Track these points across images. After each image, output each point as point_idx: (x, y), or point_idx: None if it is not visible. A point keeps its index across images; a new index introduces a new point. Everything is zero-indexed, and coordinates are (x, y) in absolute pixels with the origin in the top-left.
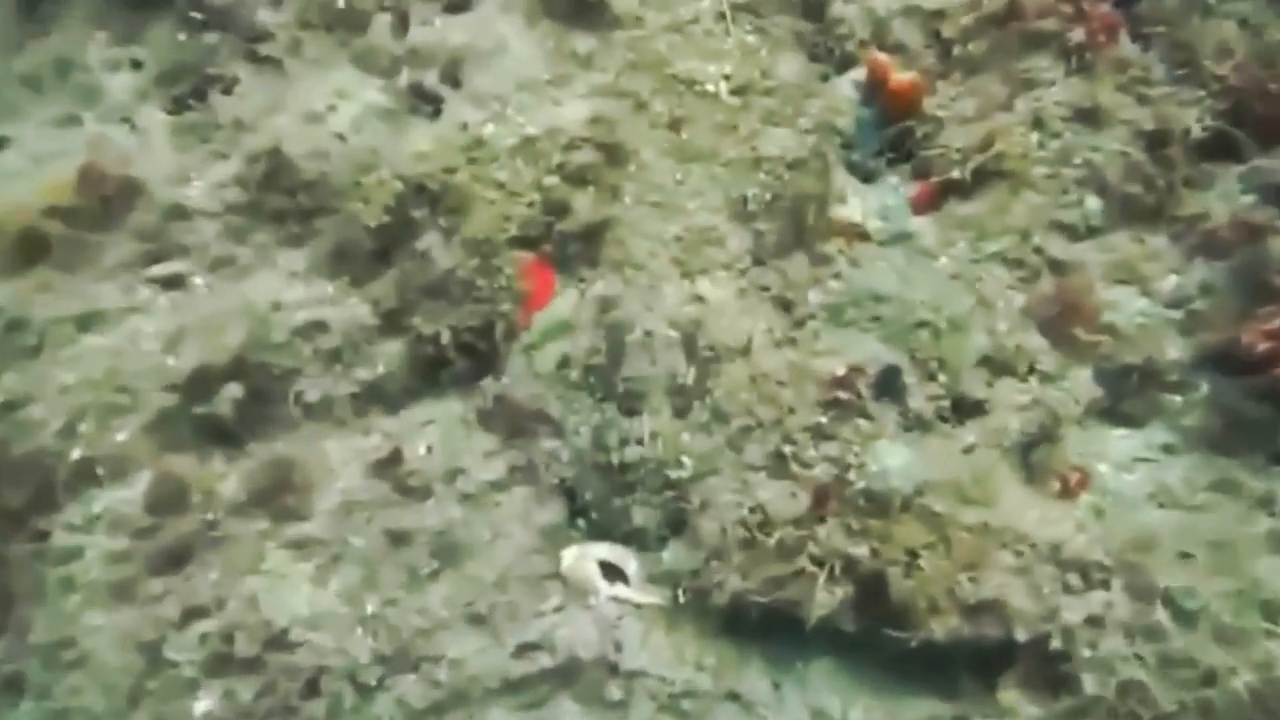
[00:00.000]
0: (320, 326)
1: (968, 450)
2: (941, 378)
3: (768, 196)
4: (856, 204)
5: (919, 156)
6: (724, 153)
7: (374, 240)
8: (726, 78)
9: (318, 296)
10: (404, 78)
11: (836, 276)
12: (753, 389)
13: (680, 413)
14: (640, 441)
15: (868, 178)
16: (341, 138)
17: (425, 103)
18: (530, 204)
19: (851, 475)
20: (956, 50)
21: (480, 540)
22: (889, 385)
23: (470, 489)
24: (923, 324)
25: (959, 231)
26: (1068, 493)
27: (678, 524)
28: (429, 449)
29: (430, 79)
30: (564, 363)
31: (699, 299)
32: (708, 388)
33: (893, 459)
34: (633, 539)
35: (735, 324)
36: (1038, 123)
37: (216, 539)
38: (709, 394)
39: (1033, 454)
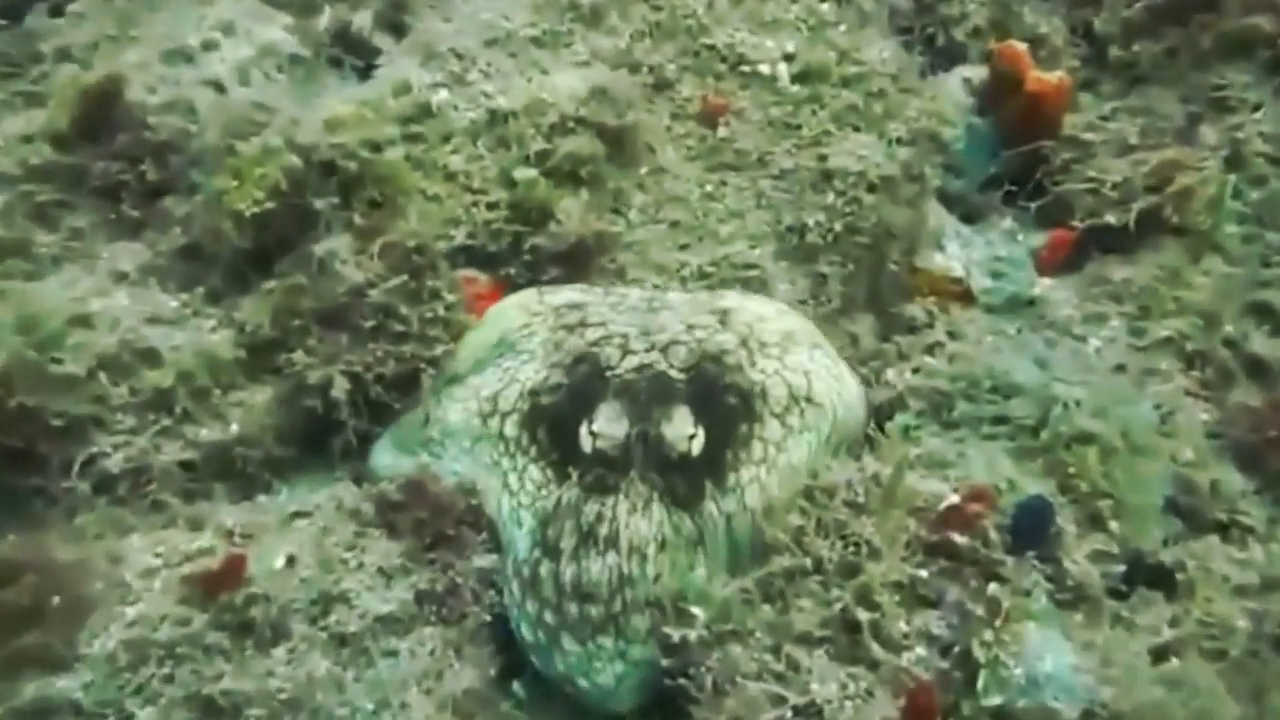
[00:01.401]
0: (145, 357)
1: (1160, 654)
2: (1115, 525)
3: (836, 227)
4: (957, 251)
5: (1053, 193)
6: (777, 161)
7: (248, 236)
8: (789, 58)
9: (149, 311)
10: (325, 17)
11: (932, 350)
12: (809, 510)
13: (686, 510)
14: (614, 545)
15: (975, 216)
16: (218, 87)
17: (352, 54)
18: (492, 205)
19: (973, 676)
20: (1115, 51)
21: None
22: (1034, 531)
23: (351, 628)
24: (1084, 438)
25: (1110, 304)
26: None
27: (671, 710)
28: (290, 559)
29: (363, 21)
30: (493, 407)
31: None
32: (733, 484)
33: (1044, 657)
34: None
35: None
36: (1234, 160)
37: None
38: (735, 494)
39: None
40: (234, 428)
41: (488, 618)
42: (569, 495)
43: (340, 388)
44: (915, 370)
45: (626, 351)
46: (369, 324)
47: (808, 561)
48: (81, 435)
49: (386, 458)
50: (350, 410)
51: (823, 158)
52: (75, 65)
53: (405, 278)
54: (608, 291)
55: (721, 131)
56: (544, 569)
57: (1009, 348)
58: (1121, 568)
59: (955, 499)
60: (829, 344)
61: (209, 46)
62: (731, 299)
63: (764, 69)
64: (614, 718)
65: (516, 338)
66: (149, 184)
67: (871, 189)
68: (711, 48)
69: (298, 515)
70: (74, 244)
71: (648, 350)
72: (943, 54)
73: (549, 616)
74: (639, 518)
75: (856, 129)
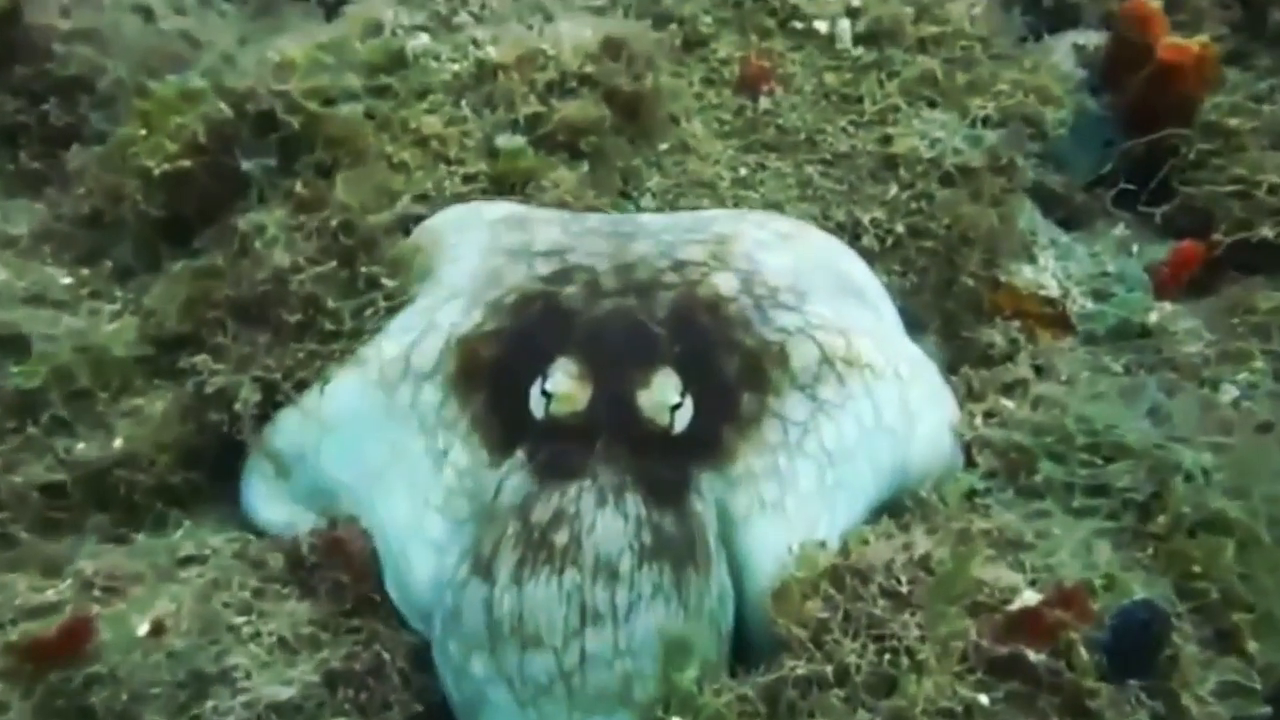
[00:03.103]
0: (12, 346)
1: None
2: (1254, 647)
3: (898, 227)
4: (1052, 263)
5: (1183, 195)
6: (830, 142)
7: (157, 201)
8: (852, 14)
9: (32, 289)
10: None
11: (1012, 390)
12: (835, 598)
13: (668, 506)
14: (573, 559)
15: (1078, 220)
16: (146, 13)
17: None
18: (470, 178)
19: None
20: (1276, 15)
21: None
22: (1140, 650)
23: (240, 714)
24: (1215, 523)
25: (1254, 340)
26: None
27: None
28: (157, 625)
29: None
30: (403, 369)
31: None
32: (734, 476)
33: None
34: None
35: None
36: None
37: None
38: (737, 491)
39: None
40: (118, 443)
41: (419, 707)
42: (513, 482)
43: (250, 397)
44: (988, 415)
45: (593, 291)
46: (295, 317)
47: (829, 669)
48: None
49: (267, 502)
50: (256, 426)
51: (887, 140)
52: None
53: (350, 262)
54: (563, 211)
55: (764, 102)
56: (471, 595)
57: (1114, 392)
58: (1265, 710)
59: (1033, 598)
60: (889, 306)
61: None
62: (728, 222)
63: (821, 26)
64: None
65: (438, 263)
66: (53, 129)
67: (946, 181)
68: None
69: (186, 562)
70: None
71: (620, 292)
72: (1051, 13)
73: (477, 666)
74: (609, 514)
75: (932, 105)
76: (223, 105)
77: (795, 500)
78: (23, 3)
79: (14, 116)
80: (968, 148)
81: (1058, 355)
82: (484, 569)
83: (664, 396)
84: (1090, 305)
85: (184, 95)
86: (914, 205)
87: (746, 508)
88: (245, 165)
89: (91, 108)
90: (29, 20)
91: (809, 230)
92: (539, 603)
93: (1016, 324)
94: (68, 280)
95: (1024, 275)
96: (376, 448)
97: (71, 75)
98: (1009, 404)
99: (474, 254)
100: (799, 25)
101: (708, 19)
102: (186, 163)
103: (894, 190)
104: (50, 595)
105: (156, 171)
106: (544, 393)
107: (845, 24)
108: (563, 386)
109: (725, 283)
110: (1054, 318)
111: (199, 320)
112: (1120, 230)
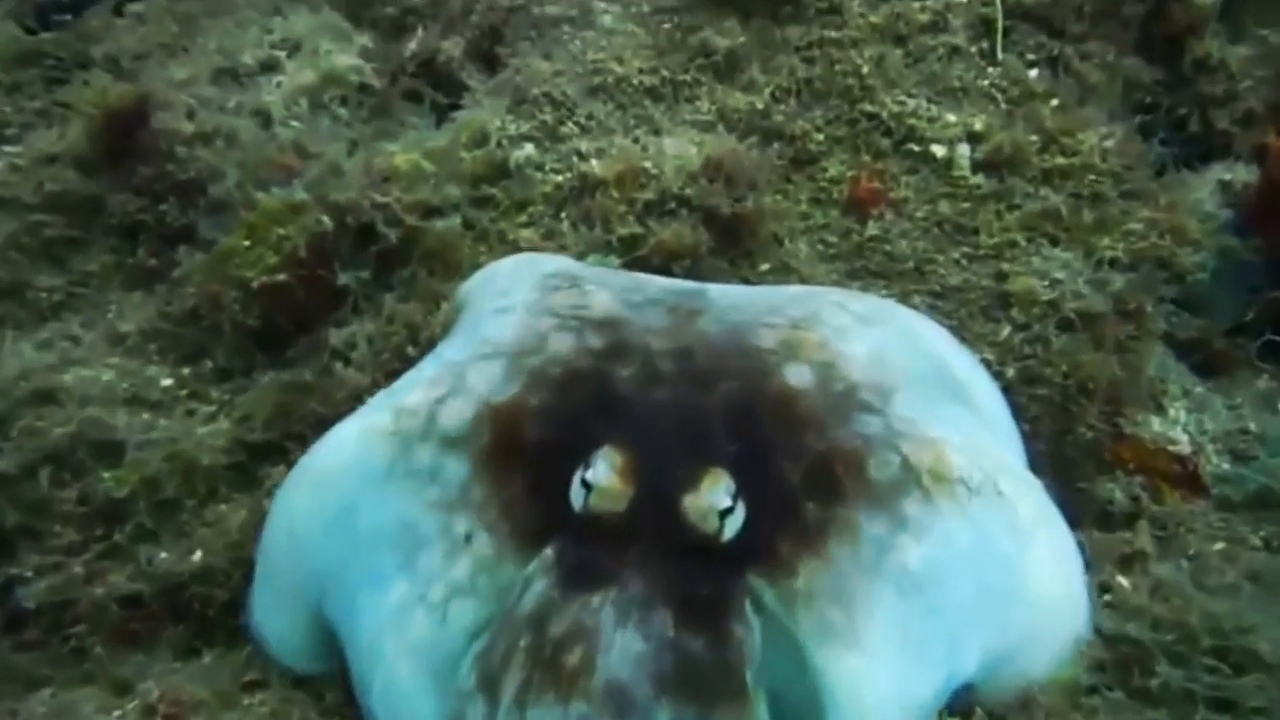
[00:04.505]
0: (105, 451)
1: None
2: None
3: (1009, 372)
4: (1184, 415)
5: None
6: (940, 273)
7: (254, 313)
8: (974, 138)
9: (133, 390)
10: (415, 42)
11: (1130, 563)
12: None
13: (703, 628)
14: (582, 688)
15: (1216, 370)
16: (264, 119)
17: (434, 88)
18: None
19: None
20: None
21: None
22: None
23: None
24: None
25: None
26: None
27: None
28: None
29: (453, 49)
30: (426, 425)
31: None
32: (785, 596)
33: None
34: None
35: None
36: None
37: None
38: (787, 616)
39: None
40: (197, 555)
41: None
42: (537, 585)
43: None
44: (1103, 591)
45: (648, 376)
46: None
47: None
48: (3, 553)
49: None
50: None
51: (1002, 276)
52: (109, 77)
53: None
54: (621, 273)
55: (872, 227)
56: (474, 713)
57: (1248, 584)
58: None
59: None
60: (995, 402)
61: (267, 67)
62: (804, 302)
63: (939, 150)
64: None
65: (482, 306)
66: (169, 228)
67: (1065, 326)
68: (874, 117)
69: (250, 687)
70: (80, 290)
71: (677, 378)
72: (1196, 141)
73: None
74: (629, 633)
75: (1054, 242)
76: (324, 218)
77: (872, 626)
78: (152, 106)
79: (135, 215)
80: (1091, 291)
81: (1186, 522)
82: (490, 684)
83: (713, 500)
84: (1227, 466)
85: (289, 207)
86: (1028, 349)
87: (812, 631)
88: (342, 279)
89: (203, 213)
90: (156, 125)
91: (897, 312)
92: None
93: (1140, 479)
94: (168, 381)
95: (1151, 427)
96: (375, 514)
97: (190, 178)
98: (1125, 583)
99: (521, 309)
100: (915, 148)
101: (819, 136)
102: (284, 276)
103: (1006, 331)
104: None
105: (255, 284)
106: (584, 483)
107: (964, 149)
108: (604, 479)
109: (796, 376)
110: (1184, 477)
111: (284, 432)
112: (1264, 383)
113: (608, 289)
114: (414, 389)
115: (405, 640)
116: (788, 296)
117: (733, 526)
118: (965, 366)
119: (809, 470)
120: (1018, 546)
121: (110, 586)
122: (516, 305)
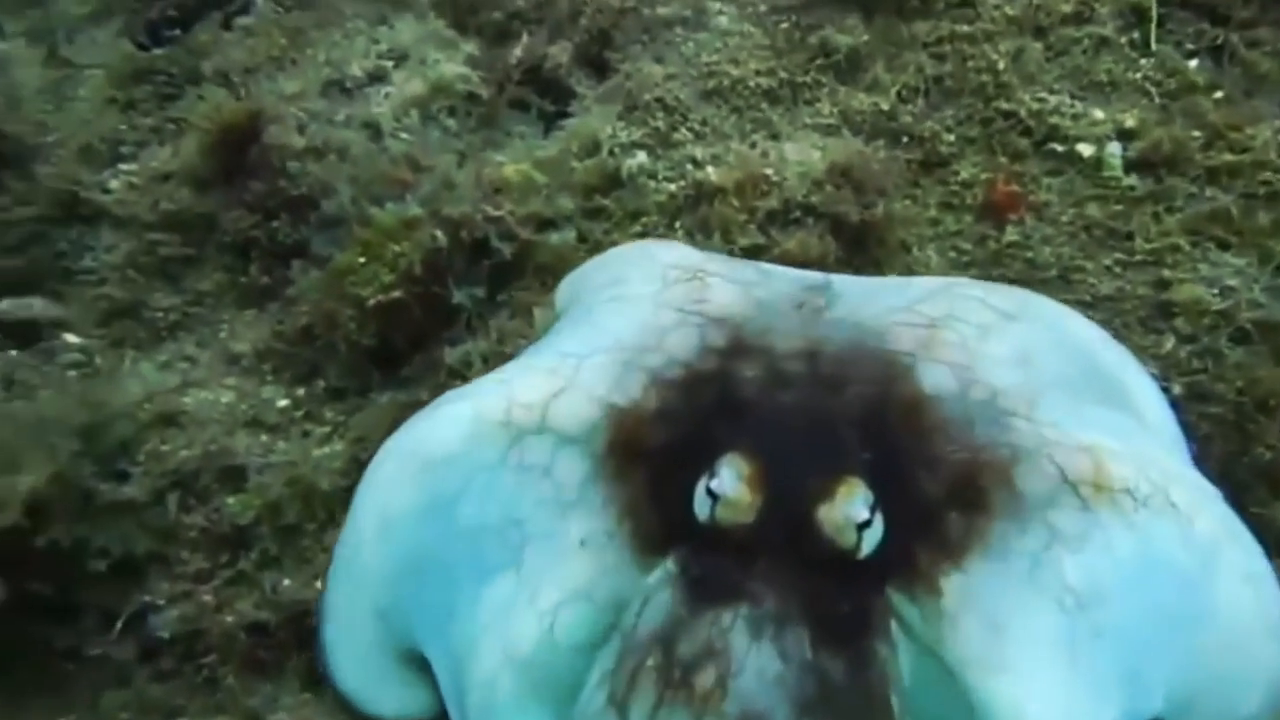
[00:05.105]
0: (229, 476)
1: None
2: None
3: (1176, 388)
4: None
5: None
6: (1091, 282)
7: (369, 331)
8: (1126, 135)
9: (252, 411)
10: (520, 48)
11: None
12: None
13: (841, 650)
14: (715, 710)
15: None
16: (371, 129)
17: (542, 95)
18: None
19: None
20: None
21: None
22: None
23: None
24: None
25: None
26: None
27: None
28: None
29: (560, 55)
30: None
31: None
32: (930, 613)
33: None
34: None
35: None
36: None
37: None
38: (933, 634)
39: None
40: (319, 583)
41: None
42: (661, 598)
43: None
44: None
45: (774, 378)
46: None
47: None
48: (135, 580)
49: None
50: None
51: (1163, 284)
52: (222, 93)
53: None
54: (744, 263)
55: (1011, 233)
56: None
57: None
58: None
59: None
60: (1158, 406)
61: (375, 78)
62: (942, 299)
63: (1085, 149)
64: None
65: (599, 293)
66: (281, 245)
67: (1240, 338)
68: (1011, 115)
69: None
70: (194, 309)
71: (805, 381)
72: None
73: None
74: (764, 653)
75: (1224, 246)
76: (439, 233)
77: (1031, 646)
78: (264, 120)
79: (248, 232)
80: (1269, 300)
81: None
82: (619, 705)
83: (850, 511)
84: None
85: (403, 223)
86: (1196, 363)
87: (963, 653)
88: (457, 297)
89: (315, 228)
90: (267, 140)
91: (1044, 306)
92: None
93: None
94: (284, 402)
95: None
96: (479, 506)
97: (302, 193)
98: None
99: (639, 301)
100: (1058, 147)
101: (950, 137)
102: (399, 293)
103: (1171, 343)
104: None
105: (370, 302)
106: (709, 492)
107: (1115, 147)
108: (731, 489)
109: (934, 379)
110: None
111: None
112: None
113: (729, 282)
114: (528, 377)
115: (509, 647)
116: (922, 290)
117: (871, 540)
118: (1124, 367)
119: (949, 480)
120: (1198, 563)
121: (239, 615)
122: (634, 296)
